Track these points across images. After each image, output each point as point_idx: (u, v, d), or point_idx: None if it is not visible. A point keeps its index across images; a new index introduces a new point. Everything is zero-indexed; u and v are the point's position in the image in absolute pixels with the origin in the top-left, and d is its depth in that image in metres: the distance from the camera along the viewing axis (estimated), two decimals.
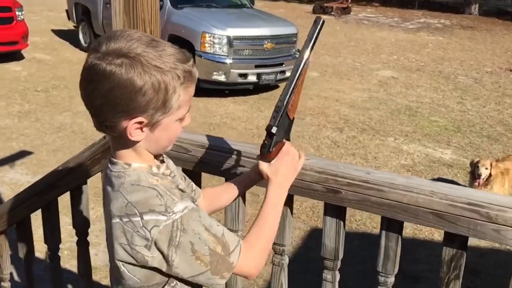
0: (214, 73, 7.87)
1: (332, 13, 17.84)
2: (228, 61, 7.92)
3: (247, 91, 8.28)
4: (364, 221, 4.47)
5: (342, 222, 1.54)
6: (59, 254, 2.22)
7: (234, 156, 1.63)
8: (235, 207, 1.70)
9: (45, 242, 2.17)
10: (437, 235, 4.16)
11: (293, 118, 1.31)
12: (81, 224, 2.09)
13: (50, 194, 2.03)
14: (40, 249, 2.42)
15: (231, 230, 1.69)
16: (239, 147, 1.65)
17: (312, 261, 3.12)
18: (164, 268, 1.09)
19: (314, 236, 4.15)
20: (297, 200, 4.30)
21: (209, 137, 1.74)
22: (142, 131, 1.10)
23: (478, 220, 1.31)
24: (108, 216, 1.13)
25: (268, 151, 1.28)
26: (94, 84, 1.05)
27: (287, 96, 1.26)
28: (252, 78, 8.08)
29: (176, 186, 1.19)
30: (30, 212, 2.12)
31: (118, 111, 1.06)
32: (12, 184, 4.87)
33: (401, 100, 8.36)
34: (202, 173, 1.75)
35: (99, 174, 1.87)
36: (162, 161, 1.23)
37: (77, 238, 2.14)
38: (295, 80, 1.26)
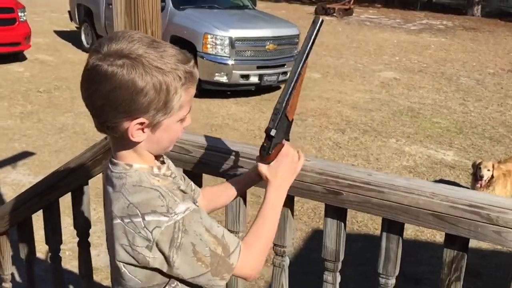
0: (216, 74, 7.88)
1: (334, 14, 17.85)
2: (230, 62, 7.92)
3: (249, 92, 8.28)
4: (366, 223, 4.47)
5: (343, 224, 1.54)
6: (60, 254, 2.22)
7: (235, 157, 1.63)
8: (236, 208, 1.70)
9: (46, 243, 2.17)
10: (439, 237, 4.16)
11: (292, 119, 1.31)
12: (82, 225, 2.09)
13: (52, 194, 2.04)
14: (41, 250, 2.43)
15: (232, 231, 1.70)
16: (240, 148, 1.65)
17: (313, 262, 3.11)
18: (165, 269, 1.09)
19: (316, 238, 4.14)
20: (299, 202, 4.31)
21: (210, 138, 1.74)
22: (144, 132, 1.10)
23: (479, 221, 1.30)
24: (109, 217, 1.13)
25: (267, 153, 1.28)
26: (95, 85, 1.05)
27: (286, 98, 1.26)
28: (254, 79, 8.09)
29: (178, 187, 1.19)
30: (31, 213, 2.13)
31: (119, 112, 1.06)
32: (14, 185, 4.88)
33: (403, 102, 8.35)
34: (204, 174, 1.75)
35: (100, 175, 1.87)
36: (163, 162, 1.23)
37: (78, 239, 2.14)
38: (293, 82, 1.26)
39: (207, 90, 7.82)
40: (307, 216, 4.56)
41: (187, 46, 7.58)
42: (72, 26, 12.08)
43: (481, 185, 4.65)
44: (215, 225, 1.13)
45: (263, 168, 1.29)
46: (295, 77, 1.26)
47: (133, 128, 1.08)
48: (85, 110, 1.10)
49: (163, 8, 8.17)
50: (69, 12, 11.94)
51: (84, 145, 5.42)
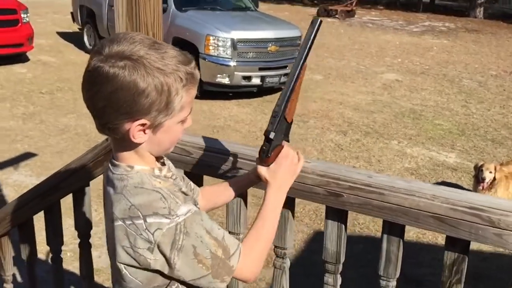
0: (218, 75, 7.88)
1: (337, 16, 17.86)
2: (232, 63, 7.93)
3: (251, 94, 8.29)
4: (368, 225, 4.46)
5: (343, 226, 1.53)
6: (62, 256, 2.22)
7: (236, 159, 1.63)
8: (237, 210, 1.70)
9: (48, 244, 2.17)
10: (441, 239, 4.15)
11: (292, 121, 1.31)
12: (84, 226, 2.10)
13: (53, 196, 2.04)
14: (43, 251, 2.43)
15: (233, 233, 1.70)
16: (241, 150, 1.65)
17: (315, 264, 3.11)
18: (166, 271, 1.09)
19: (317, 239, 4.14)
20: (300, 203, 4.30)
21: (211, 140, 1.74)
22: (145, 133, 1.10)
23: (480, 224, 1.30)
24: (110, 218, 1.12)
25: (266, 155, 1.28)
26: (97, 86, 1.05)
27: (284, 101, 1.26)
28: (256, 81, 8.09)
29: (179, 189, 1.19)
30: (33, 214, 2.13)
31: (121, 113, 1.06)
32: (16, 186, 4.88)
33: (405, 103, 8.35)
34: (204, 176, 1.75)
35: (102, 176, 1.87)
36: (163, 164, 1.23)
37: (79, 240, 2.14)
38: (292, 84, 1.26)
39: (209, 91, 7.83)
40: (308, 218, 4.55)
41: (189, 47, 7.59)
42: (75, 28, 12.11)
43: (483, 187, 4.64)
44: (216, 227, 1.13)
45: (262, 170, 1.29)
46: (294, 79, 1.26)
47: (135, 130, 1.08)
48: (87, 112, 1.11)
49: (165, 10, 8.17)
50: (71, 13, 11.98)
51: (86, 147, 5.43)
